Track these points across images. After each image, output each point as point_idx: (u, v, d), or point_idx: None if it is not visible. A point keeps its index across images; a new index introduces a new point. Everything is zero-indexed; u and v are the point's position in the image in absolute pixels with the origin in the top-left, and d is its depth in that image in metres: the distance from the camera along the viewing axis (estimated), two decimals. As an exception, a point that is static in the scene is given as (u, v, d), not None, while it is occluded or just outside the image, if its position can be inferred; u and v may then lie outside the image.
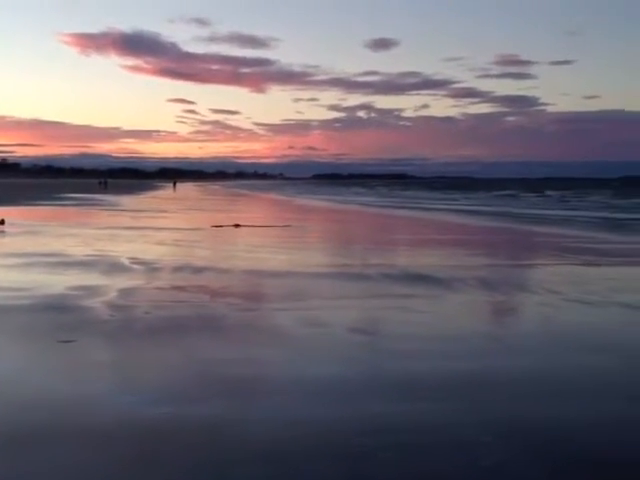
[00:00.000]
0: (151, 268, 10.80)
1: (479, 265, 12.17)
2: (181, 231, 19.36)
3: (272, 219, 26.16)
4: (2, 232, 17.34)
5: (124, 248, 13.75)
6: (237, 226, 20.92)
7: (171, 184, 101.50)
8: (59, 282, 9.18)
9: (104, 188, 73.66)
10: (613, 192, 71.69)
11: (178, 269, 10.80)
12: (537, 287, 9.63)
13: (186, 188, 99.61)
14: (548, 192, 75.78)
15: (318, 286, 9.58)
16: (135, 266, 11.01)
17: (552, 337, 6.73)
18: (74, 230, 18.29)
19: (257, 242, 16.49)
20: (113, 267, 10.84)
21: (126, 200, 44.77)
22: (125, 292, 8.50)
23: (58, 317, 7.02)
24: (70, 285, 8.90)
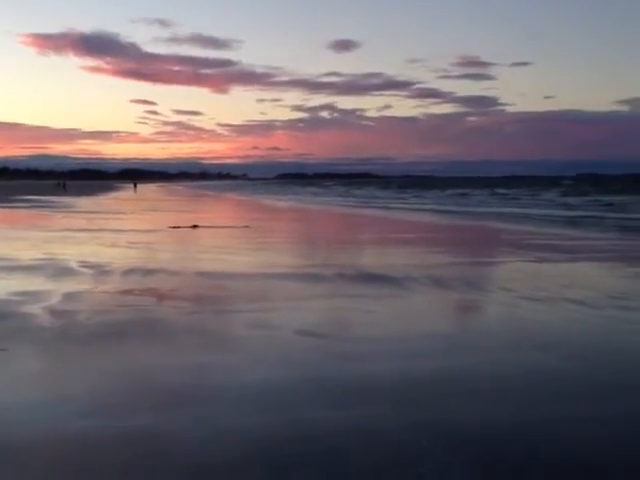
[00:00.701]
0: (100, 271, 10.54)
1: (429, 264, 12.15)
2: (136, 233, 19.04)
3: (231, 220, 25.93)
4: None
5: (74, 251, 13.42)
6: (195, 227, 20.66)
7: (132, 185, 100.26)
8: (0, 287, 8.88)
9: (63, 189, 72.43)
10: (564, 190, 72.33)
11: (128, 272, 10.55)
12: (488, 284, 9.64)
13: (148, 189, 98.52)
14: (501, 190, 76.55)
15: (269, 288, 9.43)
16: (83, 269, 10.73)
17: (497, 335, 6.70)
18: (24, 233, 17.85)
19: (213, 243, 16.29)
20: (60, 271, 10.55)
21: (83, 202, 44.05)
22: (69, 297, 8.24)
23: (-6, 324, 6.76)
24: (11, 290, 8.61)
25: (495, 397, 4.76)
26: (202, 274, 10.57)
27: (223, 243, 16.27)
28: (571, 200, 47.39)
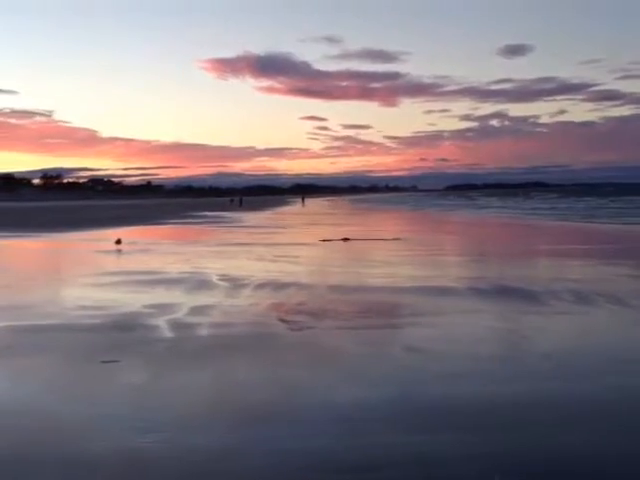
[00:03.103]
0: (236, 285, 10.83)
1: (569, 278, 11.27)
2: (287, 246, 19.48)
3: (385, 232, 25.77)
4: (119, 251, 18.18)
5: (220, 265, 13.95)
6: (345, 240, 20.84)
7: (300, 199, 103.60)
8: (138, 300, 9.35)
9: (239, 205, 76.24)
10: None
11: (262, 286, 10.75)
12: (608, 301, 8.75)
13: (315, 203, 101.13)
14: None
15: (398, 302, 9.17)
16: (221, 283, 11.09)
17: (619, 361, 6.01)
18: (183, 248, 18.86)
19: (358, 256, 16.29)
20: (198, 284, 10.97)
21: (251, 216, 45.92)
22: (196, 310, 8.53)
23: (118, 336, 7.11)
24: (146, 303, 9.05)
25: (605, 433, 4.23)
26: (334, 288, 10.54)
27: (368, 256, 16.20)
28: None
